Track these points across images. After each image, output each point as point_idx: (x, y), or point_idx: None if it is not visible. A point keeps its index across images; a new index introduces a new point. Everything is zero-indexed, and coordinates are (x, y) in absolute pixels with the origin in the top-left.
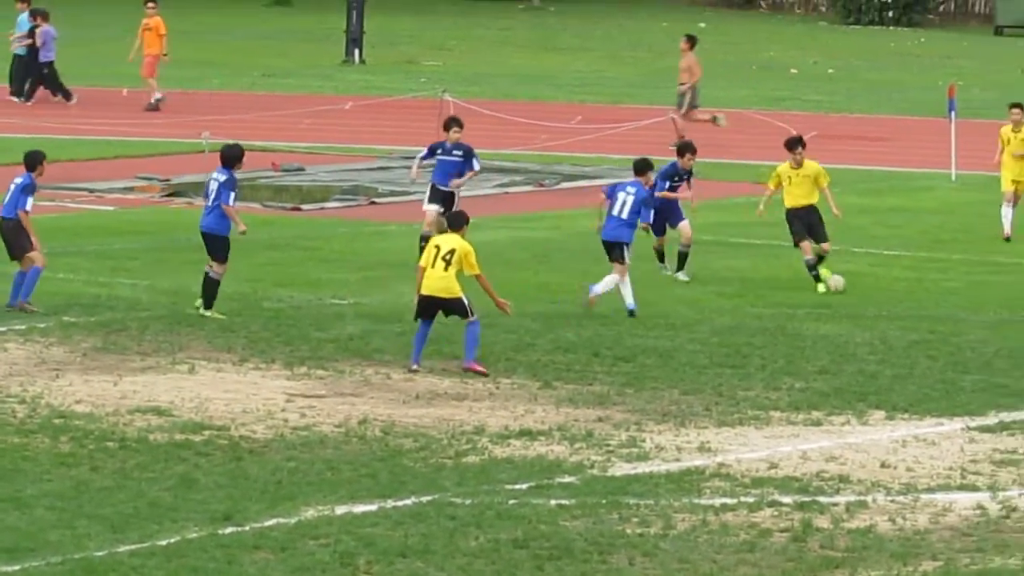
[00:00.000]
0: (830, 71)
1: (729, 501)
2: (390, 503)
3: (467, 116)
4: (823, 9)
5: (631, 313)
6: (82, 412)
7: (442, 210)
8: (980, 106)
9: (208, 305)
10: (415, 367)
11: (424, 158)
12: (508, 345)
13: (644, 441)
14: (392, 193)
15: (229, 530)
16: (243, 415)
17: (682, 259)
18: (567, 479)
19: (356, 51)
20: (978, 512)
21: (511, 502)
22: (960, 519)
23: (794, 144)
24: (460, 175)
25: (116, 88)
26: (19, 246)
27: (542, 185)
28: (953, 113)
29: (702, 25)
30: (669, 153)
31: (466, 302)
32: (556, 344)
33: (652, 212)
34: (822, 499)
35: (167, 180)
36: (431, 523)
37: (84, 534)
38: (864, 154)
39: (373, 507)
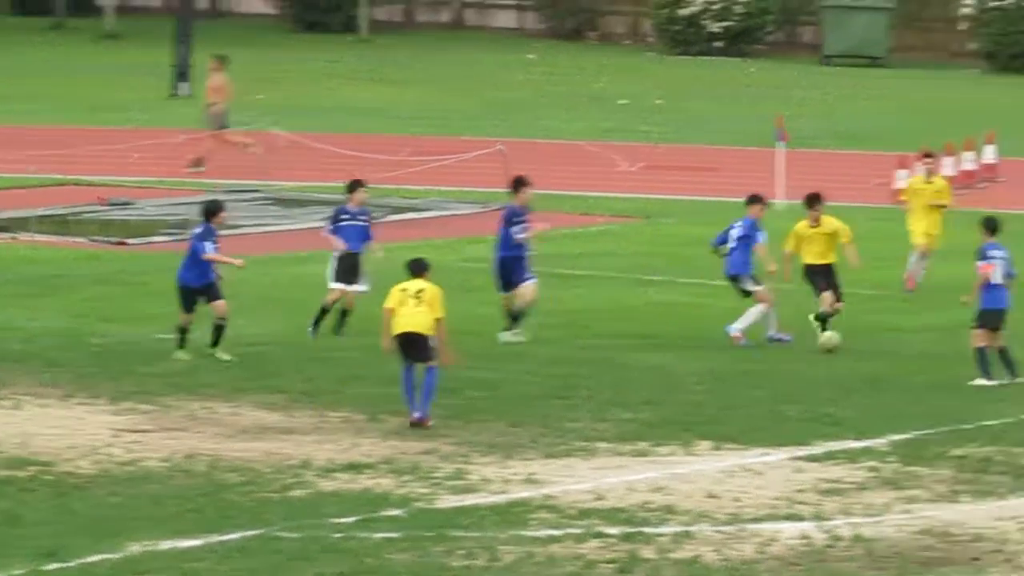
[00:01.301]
0: (659, 102)
1: (555, 533)
2: (216, 538)
3: (296, 149)
4: (651, 40)
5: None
6: None
7: (347, 288)
8: (809, 135)
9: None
10: (415, 416)
11: (332, 231)
12: (335, 378)
13: (470, 473)
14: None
15: (54, 566)
16: (68, 450)
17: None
18: (393, 512)
19: (184, 84)
20: (804, 542)
21: (337, 536)
22: (786, 549)
23: (812, 201)
24: (367, 239)
25: None
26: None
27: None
28: (781, 143)
29: (531, 56)
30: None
31: (433, 344)
32: (383, 377)
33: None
34: (648, 530)
35: None
36: (257, 558)
37: None
38: (693, 184)
39: (199, 542)
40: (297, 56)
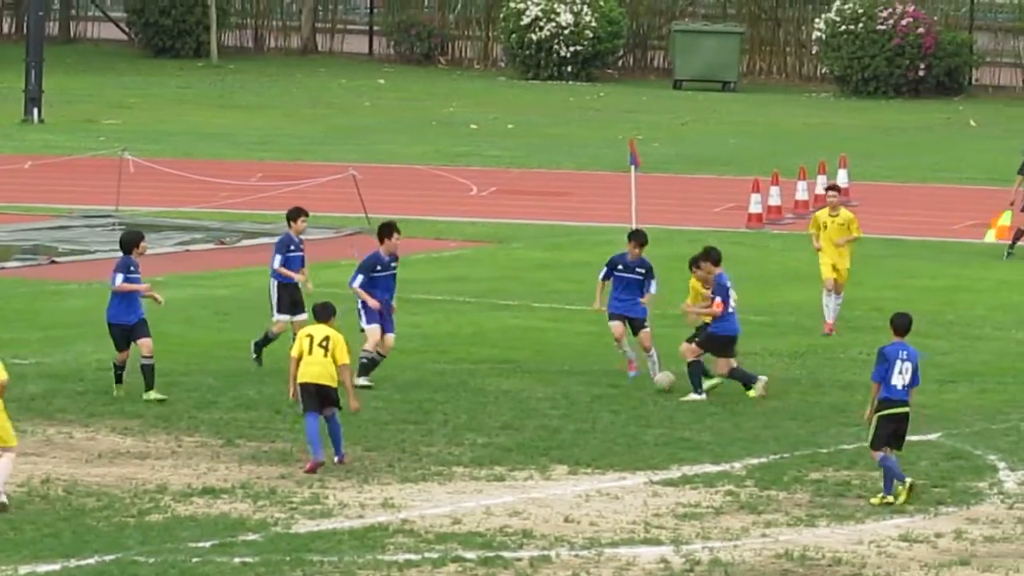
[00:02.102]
0: (510, 126)
1: (413, 557)
2: (73, 562)
3: (147, 174)
4: (502, 64)
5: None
6: None
7: (293, 319)
8: (660, 160)
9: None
10: (322, 460)
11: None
12: (190, 403)
13: (327, 498)
14: (72, 252)
15: None
16: None
17: None
18: (250, 537)
19: (35, 110)
20: (662, 566)
21: (194, 560)
22: (644, 573)
23: (701, 259)
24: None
25: None
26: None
27: (223, 243)
28: (634, 167)
29: (381, 81)
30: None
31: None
32: (238, 402)
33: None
34: (506, 554)
35: None
36: None
37: None
38: (545, 209)
39: (56, 566)
40: (147, 81)
